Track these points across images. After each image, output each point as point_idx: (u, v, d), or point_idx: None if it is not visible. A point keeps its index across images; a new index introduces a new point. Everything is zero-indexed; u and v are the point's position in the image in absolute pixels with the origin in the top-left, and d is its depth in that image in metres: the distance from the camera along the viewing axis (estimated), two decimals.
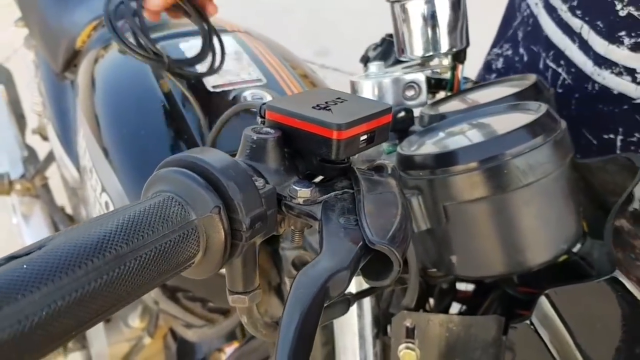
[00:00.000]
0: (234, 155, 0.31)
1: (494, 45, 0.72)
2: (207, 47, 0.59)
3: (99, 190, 0.63)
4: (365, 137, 0.32)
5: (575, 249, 0.47)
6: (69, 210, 1.32)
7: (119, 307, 0.25)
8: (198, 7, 0.61)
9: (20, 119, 1.56)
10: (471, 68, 0.64)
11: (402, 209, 0.30)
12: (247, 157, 0.31)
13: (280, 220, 0.31)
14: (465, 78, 0.60)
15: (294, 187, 0.30)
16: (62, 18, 0.96)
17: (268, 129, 0.32)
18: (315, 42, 2.43)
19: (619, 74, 0.55)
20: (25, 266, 0.22)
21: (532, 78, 0.50)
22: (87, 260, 0.23)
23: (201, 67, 0.63)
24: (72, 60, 0.95)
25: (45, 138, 1.54)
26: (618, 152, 0.58)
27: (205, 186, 0.27)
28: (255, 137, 0.31)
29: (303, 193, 0.30)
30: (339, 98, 0.34)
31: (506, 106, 0.44)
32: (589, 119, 0.59)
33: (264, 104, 0.34)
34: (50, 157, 1.31)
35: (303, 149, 0.32)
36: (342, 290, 0.25)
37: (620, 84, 0.55)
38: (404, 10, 0.56)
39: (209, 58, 0.62)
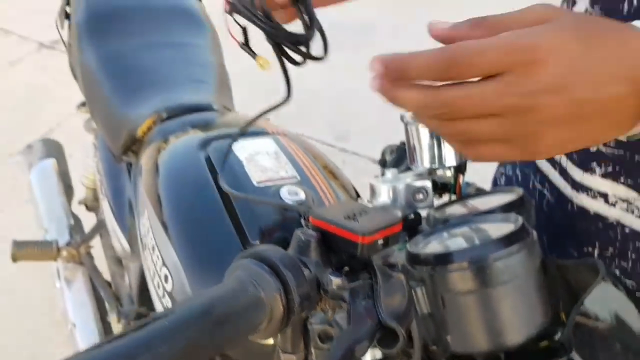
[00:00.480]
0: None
1: (500, 164, 0.85)
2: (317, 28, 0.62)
3: (160, 264, 0.75)
4: (381, 241, 0.44)
5: (556, 337, 0.57)
6: (107, 276, 1.44)
7: (213, 355, 0.37)
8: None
9: (68, 189, 1.72)
10: None
11: (407, 297, 0.42)
12: (297, 251, 0.44)
13: (318, 300, 0.43)
14: (467, 183, 0.73)
15: (329, 276, 0.42)
16: (126, 109, 1.12)
17: (311, 232, 0.45)
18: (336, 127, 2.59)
19: (594, 197, 0.64)
20: (158, 326, 0.34)
21: (519, 192, 0.62)
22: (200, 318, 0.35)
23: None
24: (130, 146, 1.11)
25: (89, 209, 1.69)
26: None
27: (271, 273, 0.39)
28: (303, 238, 0.44)
29: (336, 281, 0.42)
30: (363, 210, 0.47)
31: (494, 216, 0.56)
32: (571, 234, 0.68)
33: (309, 209, 0.46)
34: (97, 228, 1.45)
35: (336, 247, 0.44)
36: (363, 353, 0.37)
37: (595, 206, 0.64)
38: (417, 130, 0.69)
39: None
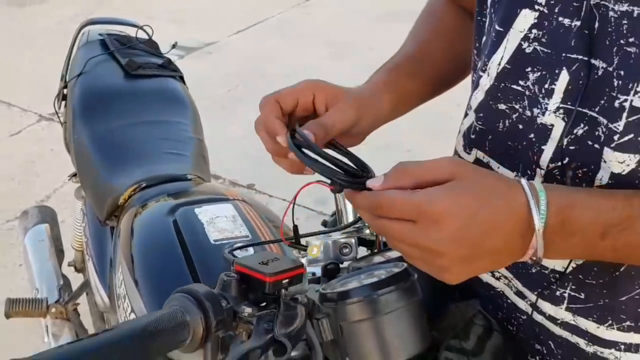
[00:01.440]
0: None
1: None
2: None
3: (129, 311, 0.89)
4: (287, 280, 0.59)
5: None
6: (91, 330, 1.56)
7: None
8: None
9: (59, 253, 1.86)
10: None
11: (300, 322, 0.56)
12: (220, 289, 0.58)
13: (235, 325, 0.57)
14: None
15: (243, 307, 0.57)
16: (112, 179, 1.28)
17: (233, 274, 0.59)
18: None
19: None
20: (108, 335, 0.48)
21: None
22: (132, 337, 0.49)
23: None
24: (113, 212, 1.26)
25: (78, 270, 1.82)
26: None
27: (194, 303, 0.54)
28: (225, 278, 0.59)
29: (247, 310, 0.57)
30: (276, 258, 0.62)
31: (389, 264, 0.71)
32: (475, 296, 0.78)
33: (234, 259, 0.61)
34: (84, 286, 1.58)
35: (253, 286, 0.59)
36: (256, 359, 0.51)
37: (485, 277, 0.76)
38: (343, 198, 0.85)
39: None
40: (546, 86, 0.60)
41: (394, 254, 0.81)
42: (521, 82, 0.62)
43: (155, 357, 0.51)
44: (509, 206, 0.53)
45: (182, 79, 1.61)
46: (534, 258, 0.55)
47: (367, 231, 0.86)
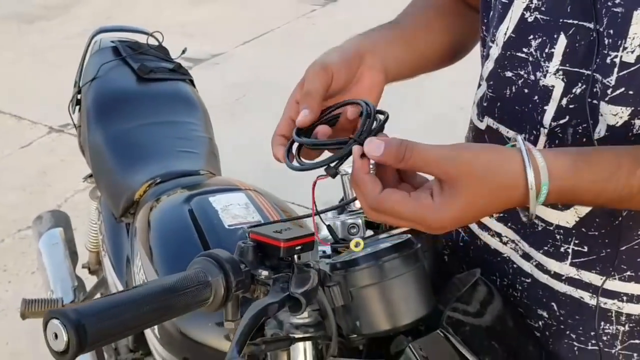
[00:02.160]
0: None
1: None
2: None
3: None
4: (299, 247, 0.63)
5: None
6: None
7: (170, 318, 0.55)
8: None
9: (73, 255, 1.90)
10: None
11: (312, 283, 0.60)
12: (238, 255, 0.63)
13: (253, 288, 0.62)
14: None
15: (260, 270, 0.61)
16: (126, 177, 1.33)
17: (249, 242, 0.64)
18: None
19: (492, 235, 0.81)
20: (141, 289, 0.53)
21: None
22: (157, 293, 0.54)
23: None
24: (129, 208, 1.31)
25: (92, 272, 1.87)
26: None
27: (216, 265, 0.58)
28: (242, 246, 0.63)
29: (264, 273, 0.61)
30: (288, 227, 0.66)
31: (395, 237, 0.75)
32: (481, 265, 0.82)
33: (250, 228, 0.65)
34: (98, 286, 1.62)
35: (268, 253, 0.63)
36: (273, 313, 0.55)
37: (493, 242, 0.81)
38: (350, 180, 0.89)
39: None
40: (546, 50, 0.65)
41: (398, 231, 0.85)
42: (525, 49, 0.67)
43: (180, 313, 0.55)
44: (509, 194, 0.57)
45: (192, 82, 1.67)
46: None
47: None
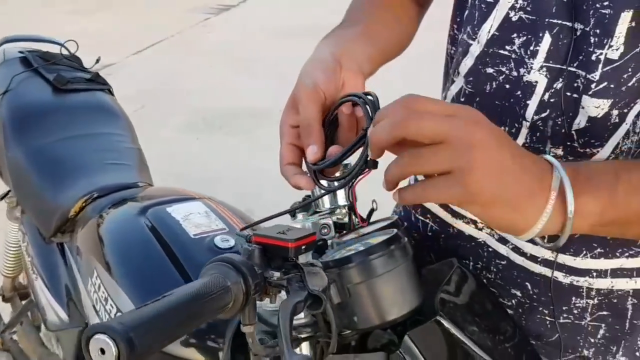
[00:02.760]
0: None
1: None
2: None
3: (114, 311, 0.90)
4: (304, 247, 0.65)
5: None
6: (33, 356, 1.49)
7: (196, 326, 0.54)
8: None
9: None
10: None
11: (325, 281, 0.62)
12: (247, 258, 0.63)
13: (265, 290, 0.62)
14: (359, 223, 0.95)
15: (271, 272, 0.62)
16: (56, 195, 1.26)
17: (255, 245, 0.64)
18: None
19: (467, 223, 0.84)
20: (167, 300, 0.52)
21: (393, 217, 0.85)
22: (185, 301, 0.53)
23: None
24: (61, 227, 1.23)
25: (6, 300, 1.73)
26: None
27: (234, 270, 0.58)
28: (249, 248, 0.63)
29: (277, 275, 0.61)
30: (289, 228, 0.67)
31: (378, 232, 0.78)
32: (453, 251, 0.87)
33: (251, 234, 0.66)
34: (21, 313, 1.51)
35: (273, 254, 0.64)
36: (301, 310, 0.56)
37: (468, 229, 0.85)
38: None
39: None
40: (531, 48, 0.70)
41: (367, 230, 0.88)
42: (507, 47, 0.72)
43: (205, 320, 0.55)
44: (530, 157, 0.55)
45: (110, 92, 1.61)
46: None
47: (342, 211, 0.93)
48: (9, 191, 1.51)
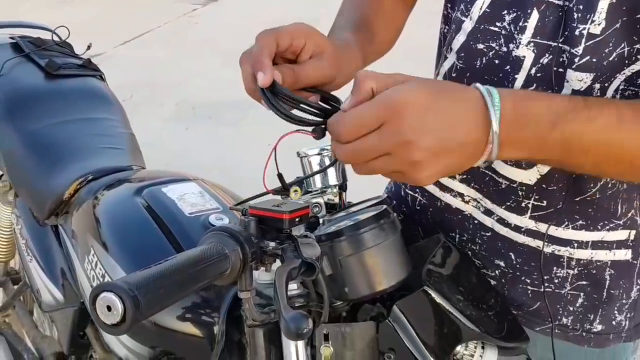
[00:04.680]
0: None
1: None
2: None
3: None
4: (298, 219, 0.68)
5: None
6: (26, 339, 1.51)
7: (197, 290, 0.57)
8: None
9: None
10: None
11: (318, 250, 0.65)
12: (244, 228, 0.66)
13: (261, 259, 0.65)
14: (349, 202, 0.98)
15: (267, 242, 0.65)
16: (50, 178, 1.28)
17: (251, 217, 0.67)
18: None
19: (454, 196, 0.88)
20: (170, 262, 0.54)
21: (382, 196, 0.88)
22: (185, 265, 0.56)
23: None
24: (56, 209, 1.25)
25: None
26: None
27: (232, 238, 0.61)
28: (246, 220, 0.66)
29: (273, 245, 0.65)
30: (283, 202, 0.70)
31: (368, 209, 0.81)
32: (439, 224, 0.90)
33: (249, 207, 0.68)
34: (15, 296, 1.52)
35: (269, 226, 0.67)
36: (295, 277, 0.59)
37: (455, 202, 0.88)
38: (309, 161, 0.94)
39: None
40: (520, 24, 0.73)
41: (356, 208, 0.91)
42: (498, 24, 0.75)
43: (203, 285, 0.58)
44: (465, 97, 0.61)
45: (102, 78, 1.62)
46: (491, 155, 0.62)
47: (333, 190, 0.96)
48: (1, 175, 1.52)
